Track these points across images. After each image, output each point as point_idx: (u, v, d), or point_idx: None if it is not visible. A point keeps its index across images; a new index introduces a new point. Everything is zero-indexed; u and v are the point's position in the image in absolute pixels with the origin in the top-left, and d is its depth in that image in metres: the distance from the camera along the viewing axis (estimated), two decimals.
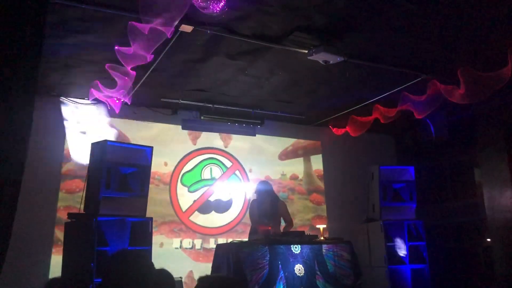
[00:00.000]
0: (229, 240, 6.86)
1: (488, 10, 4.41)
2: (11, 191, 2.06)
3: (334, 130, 8.19)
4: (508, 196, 6.78)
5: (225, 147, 7.60)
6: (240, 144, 7.72)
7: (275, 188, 6.31)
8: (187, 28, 4.48)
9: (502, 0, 4.24)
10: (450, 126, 7.48)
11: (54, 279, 3.73)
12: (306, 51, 4.96)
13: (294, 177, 8.07)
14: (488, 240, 7.37)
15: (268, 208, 5.71)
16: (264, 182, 6.11)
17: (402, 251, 6.36)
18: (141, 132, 6.92)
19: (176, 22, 4.05)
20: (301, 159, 8.24)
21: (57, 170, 6.30)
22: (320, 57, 4.95)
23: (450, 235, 7.80)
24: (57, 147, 6.35)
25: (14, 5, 2.09)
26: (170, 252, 6.69)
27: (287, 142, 8.17)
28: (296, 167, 8.15)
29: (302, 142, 8.30)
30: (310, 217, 8.00)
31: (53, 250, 6.01)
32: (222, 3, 3.45)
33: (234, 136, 7.63)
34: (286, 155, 8.12)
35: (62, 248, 4.80)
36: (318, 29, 4.70)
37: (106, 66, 4.92)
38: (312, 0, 4.16)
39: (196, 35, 4.63)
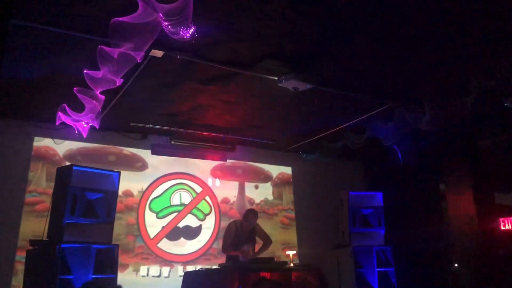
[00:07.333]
0: (198, 267, 6.74)
1: (452, 39, 4.58)
2: None
3: (303, 156, 8.24)
4: (473, 223, 6.92)
5: (196, 172, 7.53)
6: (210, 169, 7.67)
7: None
8: (157, 53, 4.48)
9: (466, 30, 4.42)
10: (418, 153, 7.62)
11: None
12: (276, 78, 5.03)
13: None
14: (456, 265, 7.47)
15: (246, 230, 5.85)
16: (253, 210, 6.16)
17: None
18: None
19: (147, 47, 4.04)
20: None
21: (21, 195, 6.11)
22: (290, 84, 5.03)
23: (418, 261, 7.85)
24: (22, 172, 6.18)
25: None
26: (137, 280, 6.50)
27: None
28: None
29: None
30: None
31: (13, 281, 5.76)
32: (192, 29, 3.45)
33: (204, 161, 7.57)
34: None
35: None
36: (287, 56, 4.78)
37: (74, 90, 4.83)
38: (281, 28, 4.24)
39: (167, 60, 4.63)
